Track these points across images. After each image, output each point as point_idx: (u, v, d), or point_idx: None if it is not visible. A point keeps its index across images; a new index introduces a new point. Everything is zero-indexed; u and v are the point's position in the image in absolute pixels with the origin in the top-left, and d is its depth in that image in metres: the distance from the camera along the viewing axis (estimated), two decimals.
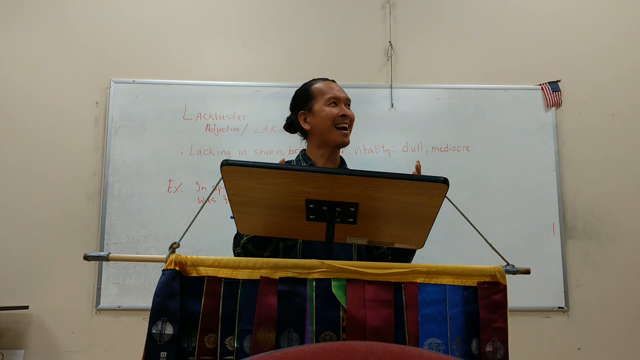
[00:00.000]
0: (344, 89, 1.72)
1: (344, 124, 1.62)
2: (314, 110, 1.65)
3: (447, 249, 2.80)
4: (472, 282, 1.14)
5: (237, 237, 1.57)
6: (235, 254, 1.55)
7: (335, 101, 1.64)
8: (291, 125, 1.76)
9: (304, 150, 1.72)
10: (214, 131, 2.97)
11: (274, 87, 3.02)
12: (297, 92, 1.74)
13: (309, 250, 1.53)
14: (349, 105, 1.68)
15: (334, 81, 1.73)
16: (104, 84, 3.01)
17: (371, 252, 1.65)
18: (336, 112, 1.62)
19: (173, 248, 1.13)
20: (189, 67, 3.06)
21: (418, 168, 1.45)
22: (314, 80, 1.73)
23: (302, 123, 1.67)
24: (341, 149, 1.72)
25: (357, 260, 1.58)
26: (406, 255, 1.57)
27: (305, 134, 1.71)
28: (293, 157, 1.77)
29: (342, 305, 1.09)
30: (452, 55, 3.14)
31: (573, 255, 2.91)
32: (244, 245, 1.51)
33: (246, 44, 3.11)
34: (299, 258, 1.52)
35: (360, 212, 1.19)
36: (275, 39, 3.13)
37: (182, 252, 1.14)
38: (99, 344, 2.76)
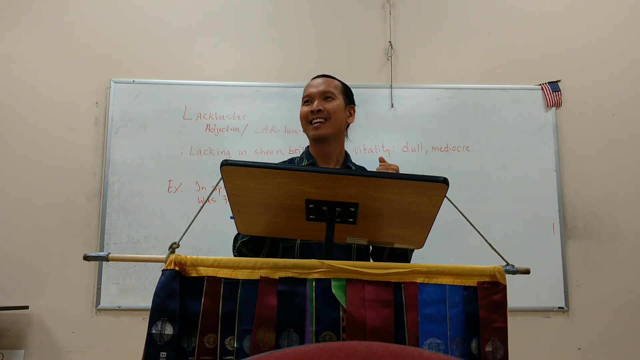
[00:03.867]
0: None
1: (314, 118, 1.63)
2: None
3: (447, 249, 2.80)
4: (472, 282, 1.14)
5: (235, 239, 1.59)
6: (234, 256, 1.57)
7: (309, 99, 1.66)
8: None
9: (308, 147, 1.74)
10: (214, 131, 2.97)
11: (274, 87, 3.02)
12: None
13: (307, 251, 1.54)
14: (328, 97, 1.65)
15: (320, 76, 1.72)
16: (104, 84, 3.01)
17: (377, 254, 1.64)
18: (306, 109, 1.65)
19: (173, 248, 1.13)
20: (189, 67, 3.06)
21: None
22: None
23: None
24: (344, 146, 1.73)
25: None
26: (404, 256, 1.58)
27: None
28: (294, 156, 1.78)
29: (342, 305, 1.09)
30: (452, 55, 3.14)
31: (573, 255, 2.91)
32: (238, 248, 1.54)
33: (246, 44, 3.11)
34: (296, 259, 1.52)
35: (360, 212, 1.19)
36: (275, 39, 3.13)
37: (182, 252, 1.14)
38: (99, 344, 2.76)
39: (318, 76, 1.73)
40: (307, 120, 1.65)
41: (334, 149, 1.67)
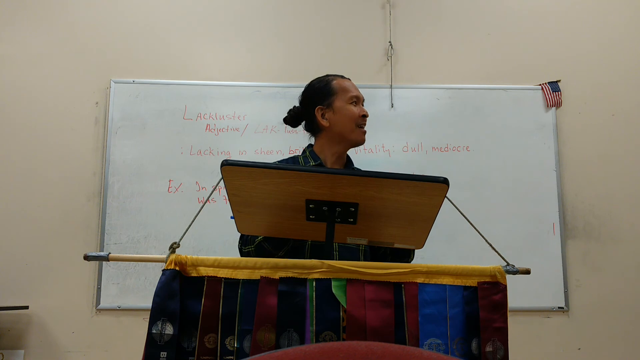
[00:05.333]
0: None
1: (363, 123, 1.65)
2: (335, 107, 1.63)
3: (447, 249, 2.80)
4: (472, 282, 1.14)
5: (247, 236, 1.52)
6: (244, 253, 1.52)
7: (357, 100, 1.65)
8: (295, 119, 1.72)
9: (311, 145, 1.70)
10: (214, 131, 2.97)
11: (274, 87, 3.02)
12: (313, 86, 1.69)
13: (319, 251, 1.50)
14: (363, 105, 1.69)
15: (349, 79, 1.72)
16: (104, 84, 3.01)
17: (375, 252, 1.65)
18: (358, 111, 1.63)
19: (173, 248, 1.13)
20: (189, 67, 3.06)
21: None
22: (329, 75, 1.70)
23: (319, 118, 1.64)
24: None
25: None
26: (405, 256, 1.58)
27: (315, 130, 1.68)
28: (296, 155, 1.75)
29: (342, 305, 1.09)
30: (452, 55, 3.14)
31: (573, 255, 2.91)
32: (259, 244, 1.47)
33: (246, 44, 3.11)
34: (307, 258, 1.50)
35: (360, 212, 1.19)
36: (276, 39, 3.13)
37: (183, 252, 1.13)
38: (99, 344, 2.76)
39: (347, 78, 1.72)
40: (356, 123, 1.63)
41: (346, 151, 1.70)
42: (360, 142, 1.65)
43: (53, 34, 3.07)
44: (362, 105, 1.68)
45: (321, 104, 1.64)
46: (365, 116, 1.65)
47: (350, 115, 1.62)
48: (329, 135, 1.65)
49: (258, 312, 1.08)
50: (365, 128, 1.68)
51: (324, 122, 1.64)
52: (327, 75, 1.71)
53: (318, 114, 1.64)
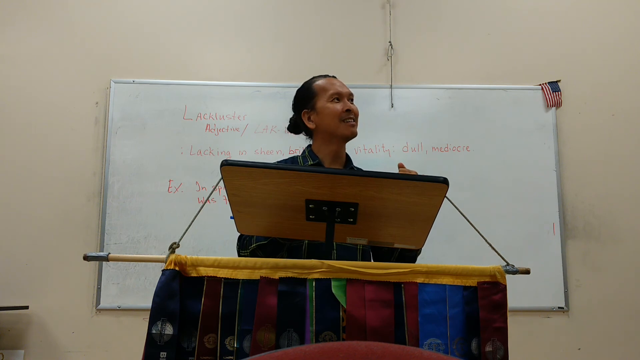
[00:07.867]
0: None
1: (349, 118, 1.64)
2: (317, 108, 1.66)
3: (447, 249, 2.80)
4: (472, 282, 1.14)
5: (243, 239, 1.55)
6: (241, 255, 1.54)
7: (338, 97, 1.65)
8: (295, 126, 1.77)
9: (310, 146, 1.72)
10: (214, 131, 2.97)
11: (274, 87, 3.02)
12: (298, 91, 1.74)
13: (315, 251, 1.52)
14: (352, 100, 1.69)
15: (334, 77, 1.73)
16: (104, 84, 3.01)
17: (377, 250, 1.65)
18: (340, 107, 1.63)
19: (173, 248, 1.13)
20: (189, 67, 3.06)
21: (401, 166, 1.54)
22: (314, 77, 1.74)
23: (306, 122, 1.68)
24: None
25: None
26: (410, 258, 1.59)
27: (310, 133, 1.72)
28: (295, 155, 1.76)
29: (342, 305, 1.09)
30: (452, 55, 3.14)
31: (573, 255, 2.91)
32: (253, 251, 1.49)
33: (246, 44, 3.11)
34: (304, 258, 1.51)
35: (360, 212, 1.19)
36: (276, 39, 3.13)
37: (182, 252, 1.14)
38: (99, 344, 2.76)
39: (333, 76, 1.73)
40: (339, 118, 1.63)
41: (344, 149, 1.70)
42: (349, 135, 1.65)
43: (53, 34, 3.07)
44: (350, 101, 1.68)
45: (306, 108, 1.69)
46: (349, 110, 1.64)
47: (331, 113, 1.63)
48: (320, 136, 1.68)
49: (258, 312, 1.08)
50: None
51: (311, 125, 1.68)
52: (313, 77, 1.74)
53: (305, 118, 1.69)
